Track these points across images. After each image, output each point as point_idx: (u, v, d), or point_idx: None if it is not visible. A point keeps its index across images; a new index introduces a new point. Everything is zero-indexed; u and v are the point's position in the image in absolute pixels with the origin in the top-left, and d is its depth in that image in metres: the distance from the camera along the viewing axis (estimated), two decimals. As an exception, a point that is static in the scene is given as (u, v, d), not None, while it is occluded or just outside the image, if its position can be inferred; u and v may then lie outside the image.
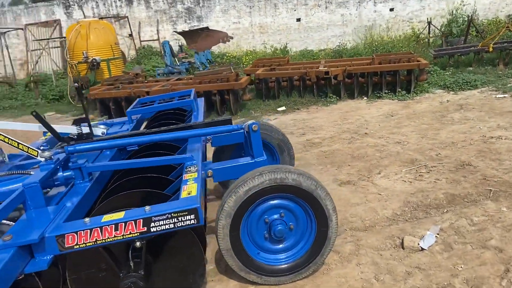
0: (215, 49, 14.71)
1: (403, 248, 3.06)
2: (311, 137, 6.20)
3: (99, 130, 3.58)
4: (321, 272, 2.88)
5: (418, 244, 3.04)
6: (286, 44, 14.97)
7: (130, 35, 15.95)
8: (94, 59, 10.35)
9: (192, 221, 1.97)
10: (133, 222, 1.93)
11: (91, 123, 4.68)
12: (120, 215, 1.96)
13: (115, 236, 1.92)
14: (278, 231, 2.68)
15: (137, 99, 4.68)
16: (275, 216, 2.72)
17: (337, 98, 8.61)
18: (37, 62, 15.71)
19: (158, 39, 15.86)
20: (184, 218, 1.96)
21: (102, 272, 2.14)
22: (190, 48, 11.32)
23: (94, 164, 2.54)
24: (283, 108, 8.31)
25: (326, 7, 15.70)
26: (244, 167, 2.82)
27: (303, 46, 15.57)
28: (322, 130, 6.55)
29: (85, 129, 3.37)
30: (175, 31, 14.03)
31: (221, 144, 3.53)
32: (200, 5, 15.81)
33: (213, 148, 3.98)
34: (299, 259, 2.76)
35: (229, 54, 14.07)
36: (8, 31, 15.94)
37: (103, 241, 1.92)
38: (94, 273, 2.13)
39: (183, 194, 2.11)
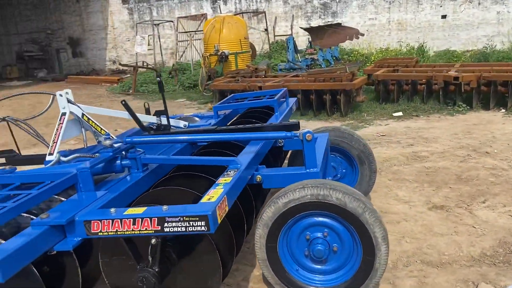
0: (347, 45, 14.30)
1: (475, 297, 2.59)
2: (419, 149, 5.62)
3: (181, 123, 3.80)
4: (368, 303, 2.60)
5: (495, 296, 2.53)
6: (424, 43, 13.74)
7: (266, 29, 16.48)
8: (223, 52, 10.99)
9: (203, 228, 1.95)
10: (148, 219, 2.00)
11: (205, 113, 5.02)
12: (140, 210, 2.05)
13: (132, 230, 2.02)
14: (317, 251, 2.50)
15: (232, 95, 4.82)
16: (318, 235, 2.53)
17: (468, 107, 7.63)
18: (183, 52, 17.35)
19: (291, 34, 16.07)
20: (195, 224, 1.95)
21: (131, 261, 2.27)
22: (315, 44, 11.21)
23: (148, 156, 2.70)
24: (400, 113, 7.69)
25: (479, 3, 13.94)
26: (295, 176, 2.69)
27: (446, 45, 14.13)
28: (436, 142, 5.88)
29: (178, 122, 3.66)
30: (301, 27, 14.04)
31: (290, 148, 3.42)
32: (337, 0, 15.49)
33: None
34: (341, 285, 2.53)
35: (356, 52, 13.52)
36: (161, 22, 17.87)
37: (123, 232, 2.03)
38: (123, 260, 2.28)
39: (204, 198, 2.10)
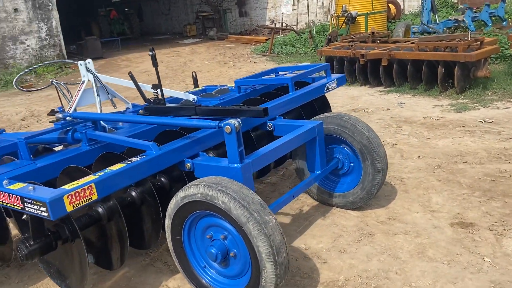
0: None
1: None
2: (500, 146, 4.37)
3: (191, 97, 3.81)
4: None
5: None
6: None
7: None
8: (350, 13, 10.16)
9: (45, 214, 1.96)
10: (15, 196, 2.14)
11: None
12: (18, 186, 2.21)
13: (9, 204, 2.19)
14: (209, 254, 2.32)
15: (276, 67, 4.52)
16: (220, 236, 2.33)
17: None
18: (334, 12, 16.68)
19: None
20: (40, 208, 1.99)
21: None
22: (463, 2, 9.40)
23: (94, 132, 2.83)
24: (536, 94, 6.02)
25: None
26: (215, 169, 2.49)
27: None
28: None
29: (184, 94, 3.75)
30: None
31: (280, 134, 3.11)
32: None
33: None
34: (236, 294, 2.31)
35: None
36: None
37: (5, 204, 2.22)
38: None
39: (70, 184, 2.11)
